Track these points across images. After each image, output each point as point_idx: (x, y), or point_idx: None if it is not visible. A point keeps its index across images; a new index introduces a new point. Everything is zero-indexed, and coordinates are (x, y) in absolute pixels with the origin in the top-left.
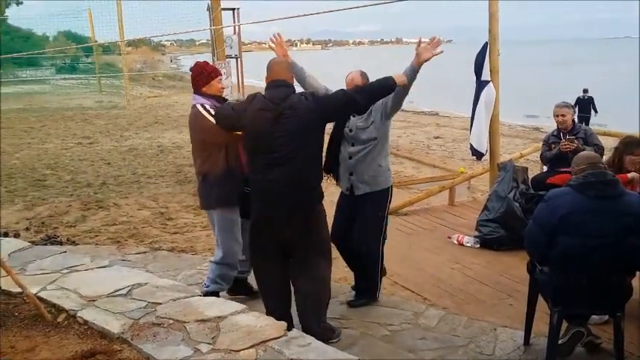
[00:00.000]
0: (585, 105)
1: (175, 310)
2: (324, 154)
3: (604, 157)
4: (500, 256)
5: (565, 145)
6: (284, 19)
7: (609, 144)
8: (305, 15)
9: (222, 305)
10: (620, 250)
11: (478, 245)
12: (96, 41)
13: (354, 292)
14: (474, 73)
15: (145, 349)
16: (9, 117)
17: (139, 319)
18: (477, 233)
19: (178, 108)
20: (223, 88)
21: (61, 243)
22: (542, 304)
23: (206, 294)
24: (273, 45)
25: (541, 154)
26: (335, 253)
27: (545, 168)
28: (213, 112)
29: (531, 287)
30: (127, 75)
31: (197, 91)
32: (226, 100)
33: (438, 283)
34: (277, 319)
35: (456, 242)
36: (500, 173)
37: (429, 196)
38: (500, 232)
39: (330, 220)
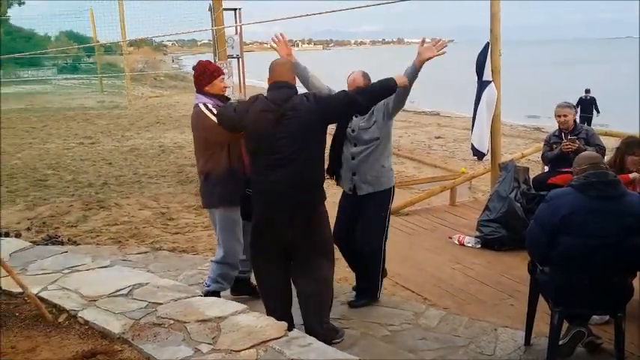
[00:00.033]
0: (587, 105)
1: (176, 310)
2: (327, 155)
3: (605, 157)
4: (501, 257)
5: (566, 145)
6: (286, 19)
7: (611, 144)
8: (307, 15)
9: (223, 305)
10: (621, 251)
11: (479, 245)
12: (98, 41)
13: (354, 293)
14: (475, 73)
15: (145, 350)
16: (10, 117)
17: (140, 319)
18: (477, 233)
19: (180, 108)
20: (226, 87)
21: (62, 243)
22: (542, 305)
23: (207, 293)
24: (275, 45)
25: (542, 155)
26: (336, 253)
27: (546, 168)
28: (215, 112)
29: (532, 287)
30: (128, 75)
31: (200, 90)
32: (229, 99)
33: (438, 284)
34: (278, 320)
35: (456, 242)
36: (502, 173)
37: (430, 196)
38: (501, 232)
39: (331, 220)
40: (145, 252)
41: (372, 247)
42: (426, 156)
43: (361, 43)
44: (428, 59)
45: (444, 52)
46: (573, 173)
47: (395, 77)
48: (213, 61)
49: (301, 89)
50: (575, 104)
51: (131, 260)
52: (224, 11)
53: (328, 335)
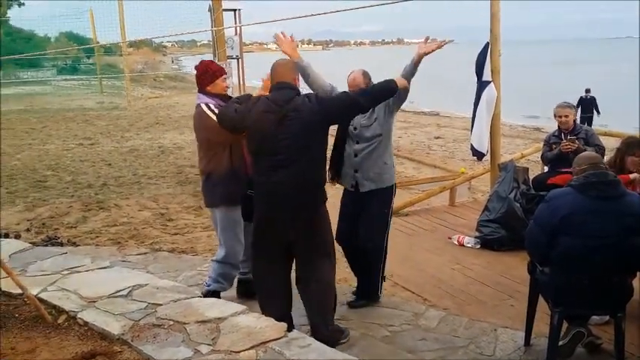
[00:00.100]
0: (587, 105)
1: (176, 311)
2: (329, 155)
3: (605, 157)
4: (500, 257)
5: (566, 145)
6: (286, 20)
7: (610, 144)
8: (307, 16)
9: (223, 306)
10: (621, 251)
11: (479, 246)
12: (97, 42)
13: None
14: (475, 74)
15: (145, 351)
16: (10, 118)
17: (140, 320)
18: (477, 234)
19: (179, 109)
20: (228, 87)
21: (61, 244)
22: (542, 305)
23: (207, 293)
24: (278, 45)
25: (542, 155)
26: (337, 254)
27: (546, 168)
28: (217, 112)
29: (532, 288)
30: (128, 76)
31: (201, 90)
32: (231, 98)
33: (438, 284)
34: (278, 320)
35: (456, 243)
36: (501, 174)
37: (429, 197)
38: (500, 232)
39: (332, 220)
40: (145, 253)
41: (374, 244)
42: (425, 156)
43: (360, 43)
44: (427, 54)
45: (442, 46)
46: (573, 173)
47: (395, 79)
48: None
49: (304, 90)
50: (575, 104)
51: (130, 261)
52: (224, 12)
53: (334, 336)
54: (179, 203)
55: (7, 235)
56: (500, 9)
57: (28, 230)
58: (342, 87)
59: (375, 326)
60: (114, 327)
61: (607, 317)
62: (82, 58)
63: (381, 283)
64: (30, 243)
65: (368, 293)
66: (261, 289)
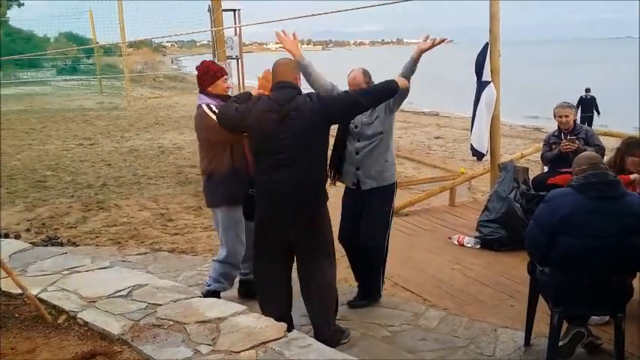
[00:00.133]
0: (587, 105)
1: (176, 311)
2: (329, 155)
3: (605, 157)
4: (500, 257)
5: (566, 145)
6: (286, 20)
7: (610, 144)
8: (307, 16)
9: (223, 306)
10: (621, 251)
11: (479, 246)
12: (97, 42)
13: (354, 293)
14: (474, 74)
15: (145, 351)
16: (10, 118)
17: (139, 320)
18: (477, 234)
19: (179, 109)
20: (229, 88)
21: (61, 244)
22: (542, 305)
23: (207, 293)
24: (281, 43)
25: (542, 155)
26: (337, 254)
27: (546, 168)
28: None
29: (532, 288)
30: (127, 76)
31: (202, 90)
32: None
33: (438, 284)
34: (277, 320)
35: (456, 243)
36: (501, 174)
37: (429, 197)
38: (500, 232)
39: (333, 220)
40: (145, 253)
41: (376, 242)
42: (425, 156)
43: (360, 43)
44: (425, 50)
45: (440, 43)
46: (573, 173)
47: (396, 79)
48: None
49: (305, 90)
50: (575, 104)
51: (130, 261)
52: (223, 12)
53: (335, 336)
54: (179, 203)
55: (7, 235)
56: (499, 9)
57: (28, 230)
58: (342, 86)
59: (375, 326)
60: (114, 327)
61: (607, 317)
62: (81, 59)
63: (382, 282)
64: (30, 243)
65: (369, 293)
66: (262, 288)
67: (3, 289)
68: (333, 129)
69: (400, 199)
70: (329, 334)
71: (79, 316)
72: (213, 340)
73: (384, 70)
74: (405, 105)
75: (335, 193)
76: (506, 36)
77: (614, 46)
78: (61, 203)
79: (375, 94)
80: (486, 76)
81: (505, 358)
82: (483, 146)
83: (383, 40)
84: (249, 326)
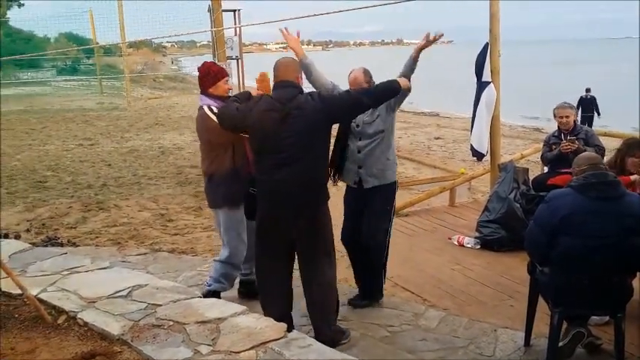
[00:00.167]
0: (588, 105)
1: (175, 311)
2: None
3: (605, 158)
4: (500, 257)
5: (566, 145)
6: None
7: (610, 145)
8: (307, 16)
9: (223, 307)
10: (621, 251)
11: (479, 246)
12: (97, 43)
13: (354, 293)
14: (474, 74)
15: (144, 351)
16: (10, 118)
17: (139, 320)
18: (477, 234)
19: (179, 109)
20: (230, 89)
21: (61, 244)
22: (542, 305)
23: (208, 293)
24: (285, 40)
25: (542, 155)
26: (337, 254)
27: (545, 169)
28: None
29: (532, 288)
30: (127, 76)
31: (204, 91)
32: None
33: (438, 285)
34: (278, 320)
35: (456, 243)
36: (501, 174)
37: (429, 197)
38: (500, 233)
39: (334, 220)
40: (145, 253)
41: (376, 241)
42: (425, 157)
43: (360, 44)
44: (423, 48)
45: (437, 40)
46: (573, 174)
47: (398, 79)
48: None
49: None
50: (575, 104)
51: (130, 261)
52: (223, 12)
53: (335, 337)
54: (179, 204)
55: (7, 236)
56: (499, 9)
57: (27, 231)
58: (342, 86)
59: (375, 326)
60: (114, 327)
61: (607, 317)
62: (81, 59)
63: (384, 281)
64: (30, 243)
65: (371, 293)
66: (264, 287)
67: (3, 289)
68: (334, 129)
69: (400, 199)
70: (329, 334)
71: (78, 316)
72: (213, 340)
73: (384, 70)
74: (405, 105)
75: (335, 193)
76: (506, 36)
77: (614, 47)
78: (61, 203)
79: (377, 93)
80: (486, 76)
81: (505, 359)
82: (483, 147)
83: (383, 40)
84: (249, 326)
